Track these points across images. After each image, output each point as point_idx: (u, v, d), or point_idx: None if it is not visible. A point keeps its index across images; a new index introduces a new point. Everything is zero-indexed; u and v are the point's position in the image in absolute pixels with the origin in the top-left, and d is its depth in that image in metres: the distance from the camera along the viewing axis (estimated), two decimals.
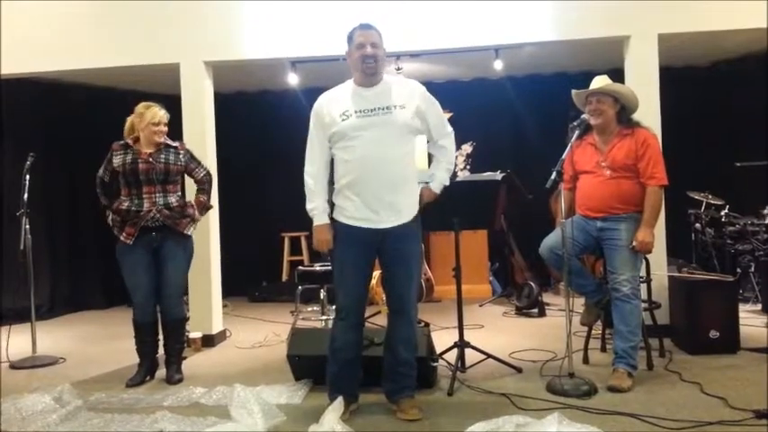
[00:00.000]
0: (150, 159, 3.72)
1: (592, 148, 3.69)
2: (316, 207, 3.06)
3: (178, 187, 3.89)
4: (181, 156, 3.85)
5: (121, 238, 3.72)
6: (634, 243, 3.52)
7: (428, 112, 3.06)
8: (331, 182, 3.13)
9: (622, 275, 3.50)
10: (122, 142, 3.80)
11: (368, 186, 2.95)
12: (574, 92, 3.77)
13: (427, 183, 3.17)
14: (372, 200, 2.96)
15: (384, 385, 3.19)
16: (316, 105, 3.09)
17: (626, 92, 3.69)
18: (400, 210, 3.00)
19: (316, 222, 3.08)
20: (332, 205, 3.12)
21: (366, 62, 2.97)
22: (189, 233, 3.82)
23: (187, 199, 4.00)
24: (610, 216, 3.60)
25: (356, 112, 2.97)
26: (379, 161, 2.94)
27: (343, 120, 2.97)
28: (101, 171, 3.85)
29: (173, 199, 3.79)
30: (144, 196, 3.72)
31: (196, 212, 3.88)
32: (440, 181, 3.15)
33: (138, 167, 3.70)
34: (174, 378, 3.77)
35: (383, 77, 3.07)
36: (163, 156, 3.77)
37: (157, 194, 3.74)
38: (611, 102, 3.62)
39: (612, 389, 3.35)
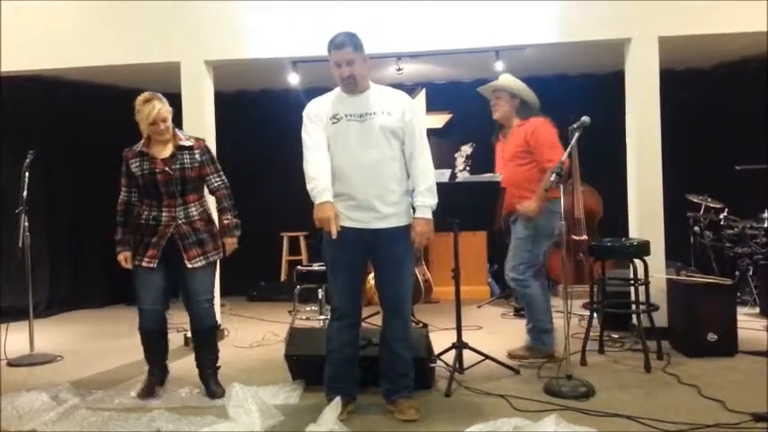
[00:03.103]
0: (167, 169, 3.40)
1: (501, 143, 4.06)
2: (317, 184, 2.95)
3: (201, 193, 3.57)
4: (197, 155, 3.49)
5: (144, 264, 3.40)
6: (518, 207, 3.83)
7: (410, 122, 3.05)
8: None
9: (510, 263, 3.95)
10: (136, 150, 3.48)
11: (356, 189, 3.00)
12: (479, 89, 4.13)
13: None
14: (361, 202, 3.00)
15: (382, 386, 3.18)
16: (306, 111, 3.13)
17: (519, 87, 3.98)
18: (387, 216, 3.02)
19: (317, 201, 2.95)
20: None
21: (344, 82, 3.04)
22: (195, 266, 3.42)
23: (212, 212, 3.65)
24: (513, 213, 3.95)
25: (345, 115, 3.03)
26: (366, 164, 2.98)
27: (333, 123, 3.03)
28: (124, 195, 3.52)
29: (194, 210, 3.48)
30: (164, 209, 3.43)
31: (227, 240, 3.54)
32: (423, 205, 3.03)
33: (157, 179, 3.40)
34: (216, 393, 3.45)
35: (370, 85, 3.12)
36: (178, 162, 3.43)
37: (177, 208, 3.44)
38: (507, 97, 3.95)
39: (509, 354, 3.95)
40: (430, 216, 3.05)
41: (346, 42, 3.00)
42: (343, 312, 3.11)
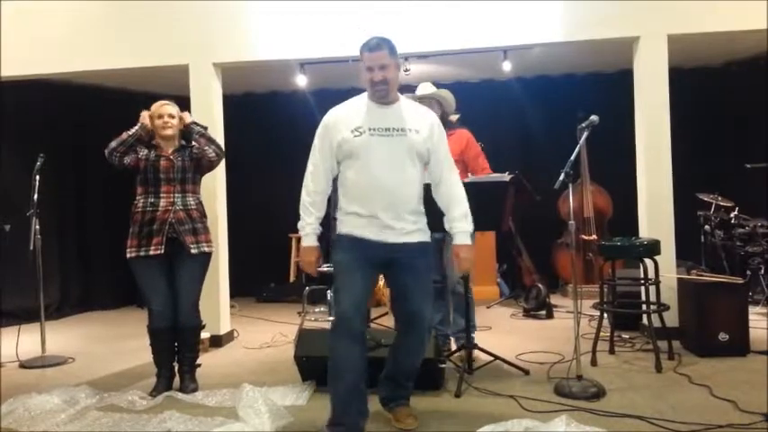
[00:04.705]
0: (171, 157, 3.64)
1: None
2: (307, 225, 2.91)
3: (198, 188, 3.77)
4: (195, 150, 3.71)
5: (151, 252, 3.53)
6: None
7: (438, 142, 2.90)
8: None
9: (456, 276, 3.97)
10: (149, 142, 3.73)
11: (377, 210, 2.79)
12: (411, 96, 4.04)
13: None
14: (383, 221, 2.80)
15: (380, 390, 3.08)
16: (326, 118, 2.92)
17: (447, 97, 4.18)
18: (410, 232, 2.85)
19: (303, 243, 2.95)
20: (333, 219, 3.05)
21: (375, 88, 2.82)
22: (195, 252, 3.60)
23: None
24: None
25: (370, 129, 2.81)
26: (388, 183, 2.79)
27: (355, 136, 2.80)
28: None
29: (191, 200, 3.68)
30: (162, 195, 3.61)
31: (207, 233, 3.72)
32: (462, 231, 2.88)
33: (160, 164, 3.61)
34: (188, 388, 3.60)
35: (399, 97, 2.92)
36: (180, 155, 3.69)
37: (176, 194, 3.63)
38: (435, 106, 3.99)
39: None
40: (470, 242, 2.91)
41: (382, 45, 2.80)
42: (348, 320, 2.80)
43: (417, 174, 2.88)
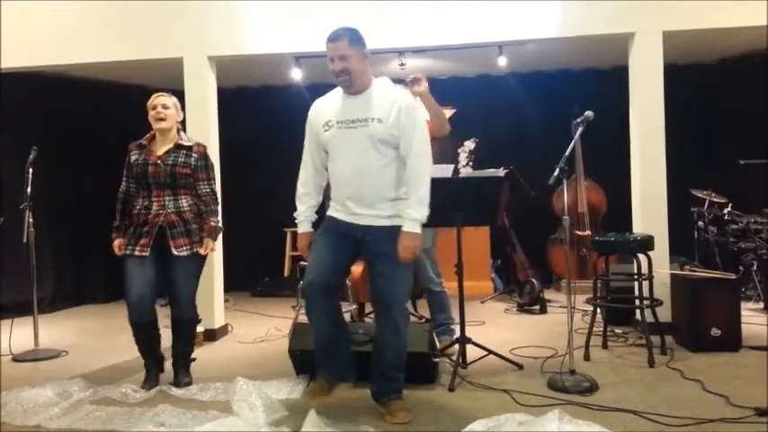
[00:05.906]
0: (158, 161, 3.55)
1: None
2: (299, 213, 3.11)
3: (194, 191, 3.66)
4: (193, 158, 3.62)
5: (136, 253, 3.50)
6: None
7: (406, 125, 2.85)
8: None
9: (429, 272, 4.12)
10: (138, 142, 3.67)
11: (349, 199, 2.92)
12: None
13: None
14: (356, 211, 2.92)
15: (372, 386, 3.10)
16: (310, 111, 3.07)
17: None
18: (384, 217, 2.90)
19: (298, 229, 3.13)
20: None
21: (338, 78, 2.91)
22: (180, 254, 3.52)
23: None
24: None
25: (337, 122, 2.92)
26: (356, 175, 2.88)
27: (325, 131, 2.95)
28: (123, 185, 3.69)
29: (184, 203, 3.59)
30: (153, 199, 3.56)
31: (207, 242, 3.59)
32: (411, 218, 2.84)
33: (148, 170, 3.55)
34: (182, 382, 3.59)
35: (371, 83, 2.94)
36: (172, 158, 3.57)
37: (167, 198, 3.56)
38: None
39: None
40: (418, 230, 2.85)
41: (341, 36, 2.86)
42: (312, 280, 2.93)
43: (387, 162, 2.89)
